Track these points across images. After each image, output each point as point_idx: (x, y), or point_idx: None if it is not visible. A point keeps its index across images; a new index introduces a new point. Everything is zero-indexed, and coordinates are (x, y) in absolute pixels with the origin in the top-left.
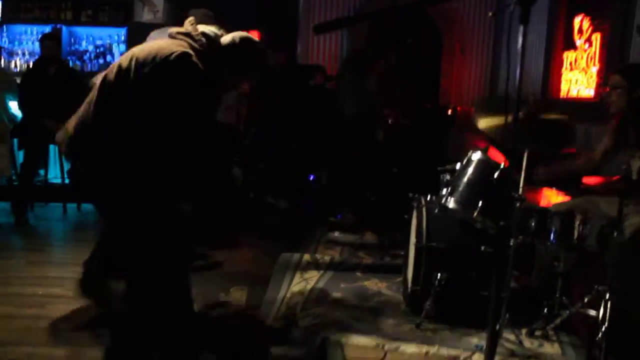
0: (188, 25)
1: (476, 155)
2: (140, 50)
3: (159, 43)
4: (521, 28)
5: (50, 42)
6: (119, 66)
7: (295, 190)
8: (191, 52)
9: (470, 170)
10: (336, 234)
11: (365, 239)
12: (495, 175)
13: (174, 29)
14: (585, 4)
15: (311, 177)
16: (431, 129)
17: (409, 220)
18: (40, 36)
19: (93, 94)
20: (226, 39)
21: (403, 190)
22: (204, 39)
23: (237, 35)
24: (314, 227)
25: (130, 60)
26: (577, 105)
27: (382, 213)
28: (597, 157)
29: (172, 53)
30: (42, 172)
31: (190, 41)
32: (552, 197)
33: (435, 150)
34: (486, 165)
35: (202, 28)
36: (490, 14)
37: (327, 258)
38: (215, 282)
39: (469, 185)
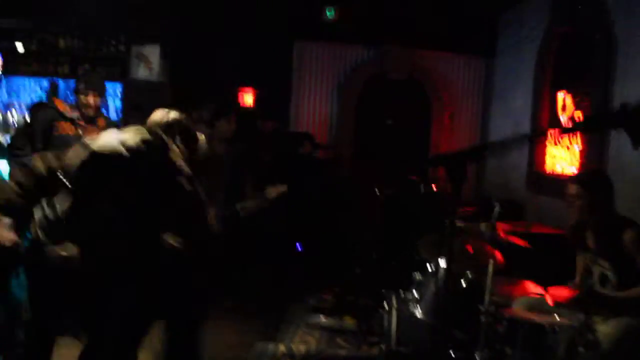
0: None
1: (443, 263)
2: None
3: None
4: None
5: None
6: None
7: (281, 257)
8: None
9: (438, 278)
10: (319, 317)
11: (344, 324)
12: (463, 284)
13: None
14: (567, 80)
15: (298, 246)
16: (415, 202)
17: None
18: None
19: None
20: None
21: (386, 261)
22: None
23: None
24: (294, 306)
25: None
26: (562, 182)
27: (364, 290)
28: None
29: None
30: None
31: None
32: (528, 288)
33: (416, 224)
34: (453, 275)
35: None
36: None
37: (302, 348)
38: None
39: (436, 294)
